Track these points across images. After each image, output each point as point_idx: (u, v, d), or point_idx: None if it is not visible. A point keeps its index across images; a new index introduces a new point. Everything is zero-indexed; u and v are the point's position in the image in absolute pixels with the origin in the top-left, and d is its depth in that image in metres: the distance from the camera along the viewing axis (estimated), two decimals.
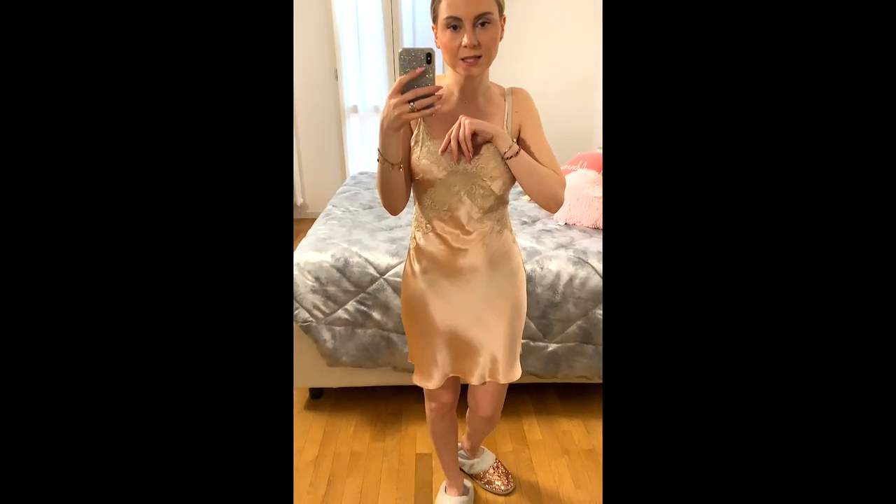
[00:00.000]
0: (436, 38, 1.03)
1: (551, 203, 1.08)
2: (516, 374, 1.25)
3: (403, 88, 0.93)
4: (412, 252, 1.19)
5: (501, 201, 1.13)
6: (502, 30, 1.03)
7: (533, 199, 1.09)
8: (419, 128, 1.08)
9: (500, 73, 1.66)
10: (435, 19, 1.01)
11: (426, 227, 1.15)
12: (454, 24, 0.97)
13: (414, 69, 0.93)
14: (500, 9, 1.01)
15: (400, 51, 0.93)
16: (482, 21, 0.97)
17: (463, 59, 0.99)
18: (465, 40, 0.97)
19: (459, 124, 1.01)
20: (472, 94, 1.08)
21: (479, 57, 0.99)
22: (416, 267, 1.18)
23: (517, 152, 1.04)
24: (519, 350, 1.27)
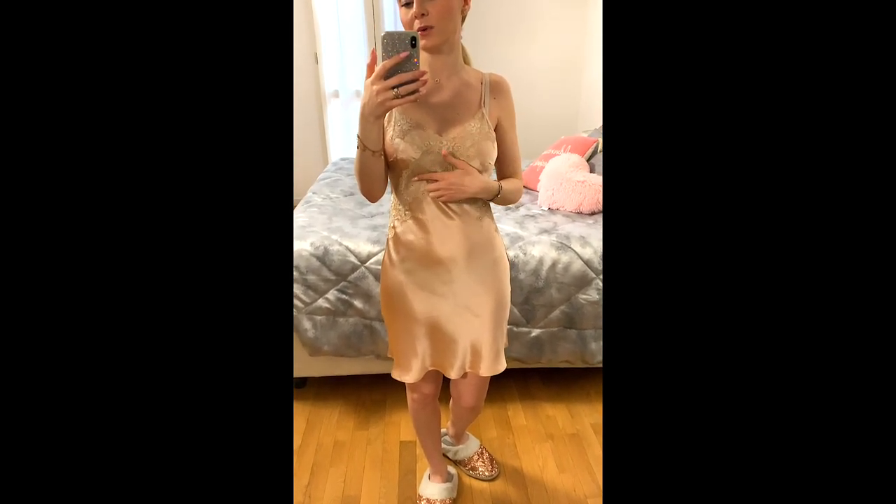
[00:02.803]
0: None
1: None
2: (500, 368, 1.23)
3: (387, 74, 0.90)
4: (390, 242, 1.17)
5: None
6: (467, 4, 1.03)
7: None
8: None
9: (484, 55, 1.63)
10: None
11: (404, 214, 1.12)
12: (407, 1, 0.98)
13: (398, 53, 0.90)
14: None
15: (382, 34, 0.90)
16: None
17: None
18: (414, 11, 0.97)
19: (451, 188, 1.05)
20: (441, 74, 1.06)
21: (432, 28, 0.98)
22: (395, 257, 1.16)
23: (498, 193, 1.12)
24: (504, 343, 1.25)
